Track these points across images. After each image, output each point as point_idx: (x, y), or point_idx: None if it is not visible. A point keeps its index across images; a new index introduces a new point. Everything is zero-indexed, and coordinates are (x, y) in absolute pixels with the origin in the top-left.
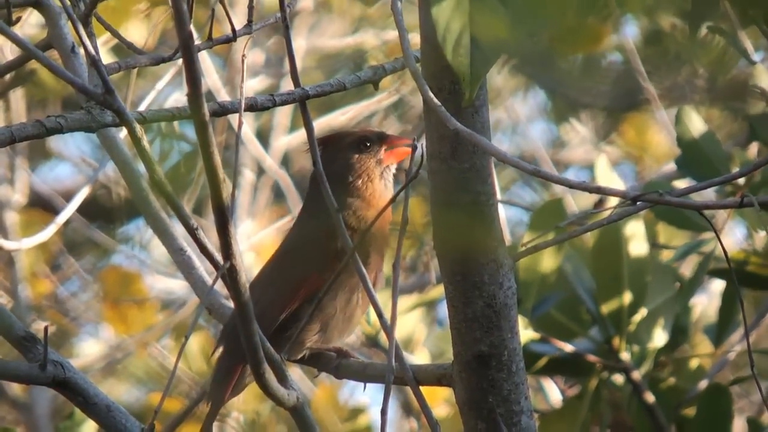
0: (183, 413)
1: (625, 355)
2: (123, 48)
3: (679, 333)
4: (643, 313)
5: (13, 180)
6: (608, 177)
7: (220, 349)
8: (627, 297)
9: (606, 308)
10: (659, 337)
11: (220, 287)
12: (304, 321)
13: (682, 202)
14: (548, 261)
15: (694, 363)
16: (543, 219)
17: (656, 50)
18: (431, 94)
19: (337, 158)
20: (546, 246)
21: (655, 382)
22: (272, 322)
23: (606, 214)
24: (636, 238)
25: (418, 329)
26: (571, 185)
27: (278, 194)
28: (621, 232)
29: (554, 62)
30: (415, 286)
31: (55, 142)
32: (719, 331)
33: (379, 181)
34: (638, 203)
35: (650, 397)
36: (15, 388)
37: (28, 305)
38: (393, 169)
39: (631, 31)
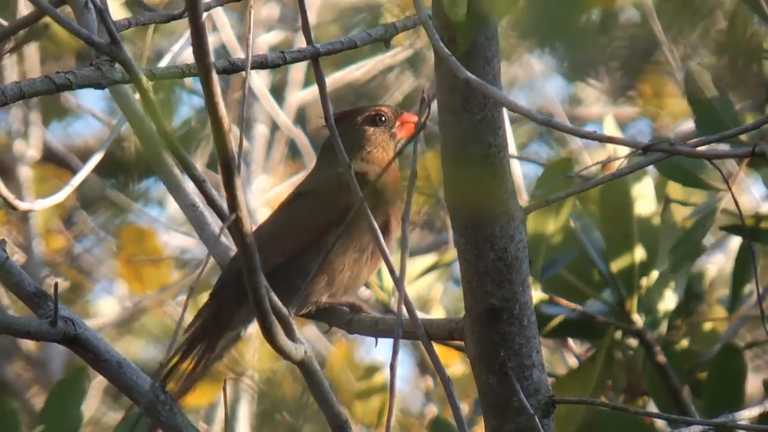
0: (199, 370)
1: (637, 317)
2: (141, 3)
3: (692, 295)
4: (654, 274)
5: (27, 134)
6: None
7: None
8: (638, 257)
9: (616, 268)
10: (671, 300)
11: (232, 243)
12: (312, 274)
13: (692, 151)
14: (556, 219)
15: (708, 326)
16: (553, 176)
17: (672, 6)
18: (442, 45)
19: (353, 131)
20: (557, 199)
21: (668, 345)
22: (275, 264)
23: (616, 165)
24: (645, 197)
25: (435, 288)
26: (582, 135)
27: (293, 150)
28: (629, 189)
29: (567, 25)
30: (432, 245)
31: (70, 96)
32: (733, 295)
33: (394, 153)
34: (649, 154)
35: (663, 360)
36: (29, 345)
37: (42, 261)
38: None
39: None
